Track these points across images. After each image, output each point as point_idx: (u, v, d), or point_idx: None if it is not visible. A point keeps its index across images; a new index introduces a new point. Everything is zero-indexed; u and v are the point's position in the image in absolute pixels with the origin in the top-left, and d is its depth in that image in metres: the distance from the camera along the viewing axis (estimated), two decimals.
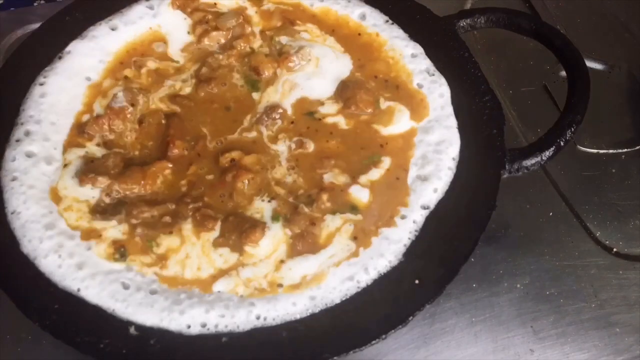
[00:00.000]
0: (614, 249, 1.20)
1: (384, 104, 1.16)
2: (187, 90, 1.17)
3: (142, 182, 1.05)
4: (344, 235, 1.01)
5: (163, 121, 1.14)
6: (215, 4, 1.29)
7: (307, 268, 0.98)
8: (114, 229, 1.00)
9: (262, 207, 1.03)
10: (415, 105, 1.16)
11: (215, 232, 1.00)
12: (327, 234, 1.01)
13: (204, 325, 0.92)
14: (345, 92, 1.17)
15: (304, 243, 0.99)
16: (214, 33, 1.25)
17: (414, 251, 1.00)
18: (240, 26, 1.25)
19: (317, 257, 0.99)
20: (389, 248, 1.00)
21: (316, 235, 1.01)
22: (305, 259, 0.99)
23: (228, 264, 0.98)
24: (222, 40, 1.25)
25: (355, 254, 0.99)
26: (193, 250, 0.99)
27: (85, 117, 1.13)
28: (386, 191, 1.06)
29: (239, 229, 0.99)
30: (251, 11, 1.30)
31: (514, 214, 1.23)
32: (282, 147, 1.11)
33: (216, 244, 0.99)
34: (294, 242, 0.99)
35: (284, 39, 1.24)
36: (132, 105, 1.13)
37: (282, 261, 0.98)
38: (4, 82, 1.17)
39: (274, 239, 1.00)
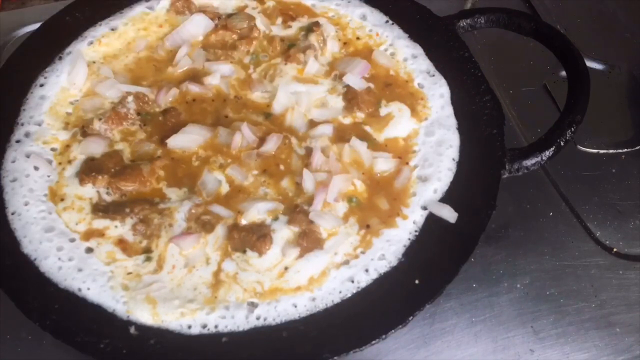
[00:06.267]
0: (614, 249, 1.20)
1: (384, 110, 1.16)
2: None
3: (143, 179, 1.05)
4: (348, 228, 1.02)
5: (160, 118, 1.14)
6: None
7: (315, 265, 0.98)
8: (116, 228, 1.01)
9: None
10: (416, 105, 1.17)
11: (216, 235, 1.00)
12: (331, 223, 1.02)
13: (204, 326, 0.92)
14: (348, 93, 1.17)
15: (309, 239, 0.99)
16: (221, 32, 1.25)
17: (414, 251, 1.00)
18: (250, 28, 1.26)
19: (324, 251, 0.99)
20: (389, 248, 1.00)
21: (317, 232, 1.01)
22: (314, 255, 0.98)
23: (232, 270, 0.98)
24: (227, 40, 1.25)
25: (355, 256, 1.00)
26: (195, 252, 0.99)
27: (87, 118, 1.13)
28: (386, 188, 1.07)
29: (248, 243, 0.99)
30: (253, 10, 1.30)
31: (514, 214, 1.23)
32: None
33: (225, 253, 0.99)
34: (299, 241, 0.99)
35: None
36: (139, 113, 1.14)
37: (286, 268, 0.98)
38: (4, 82, 1.17)
39: (282, 241, 0.99)
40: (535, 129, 1.33)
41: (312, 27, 1.26)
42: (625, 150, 1.34)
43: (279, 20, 1.29)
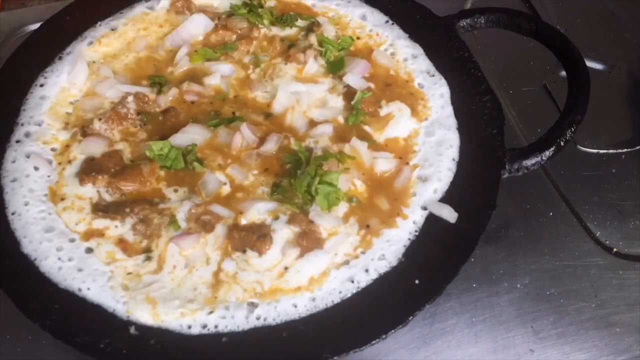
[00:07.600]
0: (614, 249, 1.20)
1: (384, 110, 1.15)
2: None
3: (143, 179, 1.05)
4: (348, 228, 1.02)
5: (160, 118, 1.14)
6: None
7: (316, 265, 0.98)
8: (116, 228, 1.01)
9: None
10: (416, 105, 1.17)
11: (216, 235, 1.00)
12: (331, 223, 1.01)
13: (204, 326, 0.92)
14: (348, 94, 1.17)
15: (308, 239, 0.99)
16: (221, 32, 1.25)
17: (414, 251, 1.00)
18: (250, 28, 1.26)
19: (325, 251, 0.99)
20: (389, 249, 1.00)
21: (317, 232, 1.01)
22: (314, 255, 0.98)
23: (232, 269, 0.98)
24: (227, 40, 1.25)
25: (355, 256, 1.00)
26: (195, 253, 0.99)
27: (87, 118, 1.13)
28: (386, 188, 1.07)
29: (248, 242, 0.99)
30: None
31: (514, 214, 1.23)
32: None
33: (225, 252, 0.99)
34: (299, 241, 0.99)
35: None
36: (139, 113, 1.13)
37: (286, 268, 0.98)
38: (4, 82, 1.17)
39: (282, 241, 0.99)
40: (535, 129, 1.33)
41: (312, 27, 1.26)
42: (625, 150, 1.34)
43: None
